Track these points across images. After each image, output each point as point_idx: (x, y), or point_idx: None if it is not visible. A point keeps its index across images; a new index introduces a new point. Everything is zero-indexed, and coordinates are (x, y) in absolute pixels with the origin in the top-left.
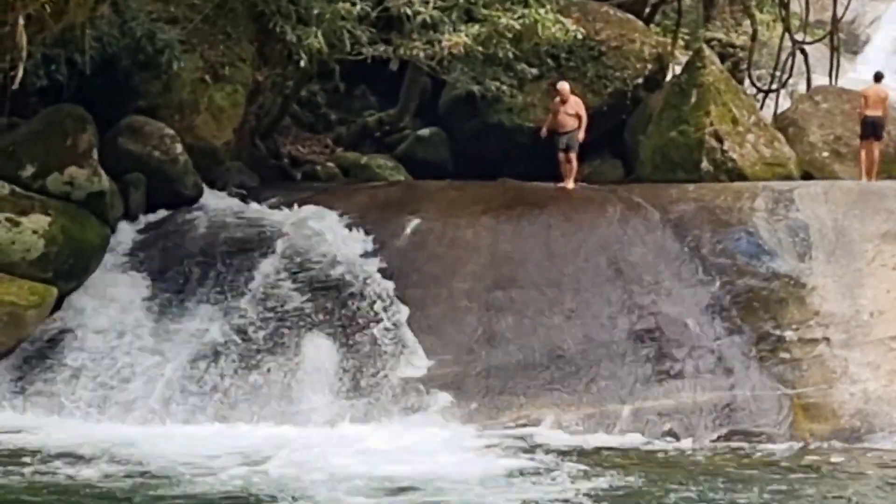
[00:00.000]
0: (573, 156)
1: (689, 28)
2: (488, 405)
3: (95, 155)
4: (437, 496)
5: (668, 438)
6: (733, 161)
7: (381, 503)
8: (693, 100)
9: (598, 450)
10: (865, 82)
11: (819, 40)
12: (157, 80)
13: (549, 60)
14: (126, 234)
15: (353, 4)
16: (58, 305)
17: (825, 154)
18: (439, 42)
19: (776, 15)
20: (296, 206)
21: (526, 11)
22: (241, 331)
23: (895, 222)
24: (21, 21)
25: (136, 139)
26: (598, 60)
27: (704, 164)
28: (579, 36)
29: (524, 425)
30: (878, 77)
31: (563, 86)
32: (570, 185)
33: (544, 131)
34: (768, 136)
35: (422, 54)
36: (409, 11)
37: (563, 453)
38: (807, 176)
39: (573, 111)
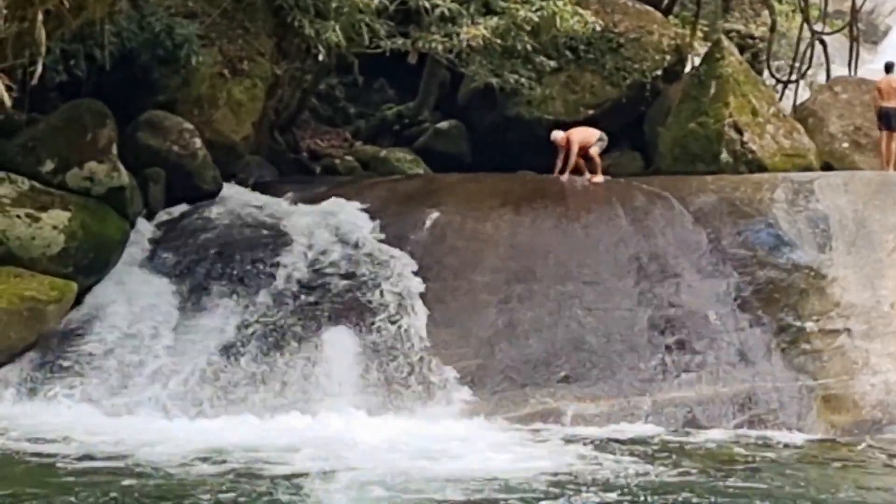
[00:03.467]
0: (594, 151)
1: (708, 19)
2: (508, 398)
3: (115, 150)
4: (458, 489)
5: (689, 429)
6: (753, 152)
7: (402, 497)
8: (712, 91)
9: (619, 441)
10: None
11: (838, 31)
12: (176, 75)
13: (568, 52)
14: (146, 228)
15: None
16: (78, 300)
17: (845, 145)
18: (458, 35)
19: (795, 5)
20: (315, 199)
21: (544, 3)
22: (260, 324)
23: None
24: (40, 17)
25: (156, 134)
26: (616, 52)
27: (724, 156)
28: (598, 28)
29: (545, 418)
30: (889, 67)
31: (556, 136)
32: (598, 178)
33: (561, 176)
34: (788, 127)
35: (440, 47)
36: (427, 4)
37: (585, 445)
38: (826, 167)
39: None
